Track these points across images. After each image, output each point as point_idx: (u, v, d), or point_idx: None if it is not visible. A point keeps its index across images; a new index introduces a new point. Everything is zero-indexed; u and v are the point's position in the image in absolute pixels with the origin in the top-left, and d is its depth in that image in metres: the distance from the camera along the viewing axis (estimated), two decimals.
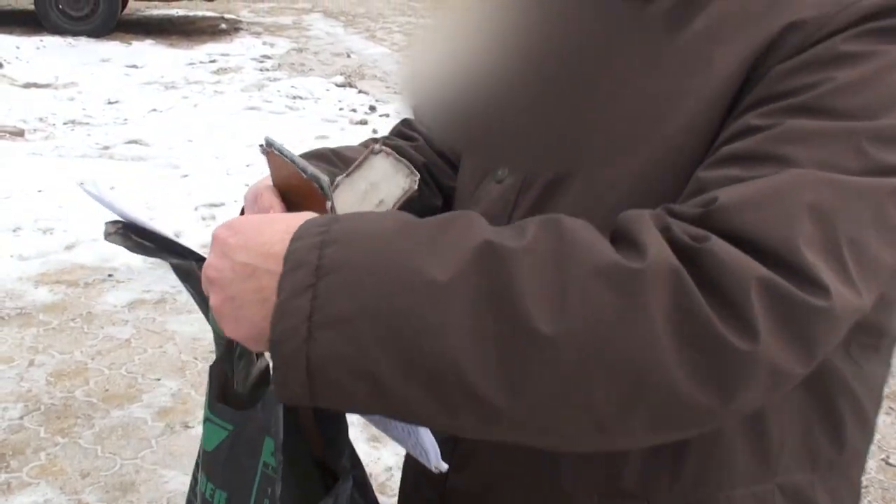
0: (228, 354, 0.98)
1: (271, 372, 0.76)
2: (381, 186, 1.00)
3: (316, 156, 1.14)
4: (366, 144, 1.17)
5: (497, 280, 0.71)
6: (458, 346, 0.70)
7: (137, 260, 4.64)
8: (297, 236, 0.76)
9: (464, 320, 0.70)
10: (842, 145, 0.78)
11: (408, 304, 0.71)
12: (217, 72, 9.10)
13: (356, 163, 1.02)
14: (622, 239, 0.75)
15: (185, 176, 5.94)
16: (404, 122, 1.27)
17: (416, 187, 0.99)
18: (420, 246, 0.73)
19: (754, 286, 0.71)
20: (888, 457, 3.33)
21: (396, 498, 1.14)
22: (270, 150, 0.94)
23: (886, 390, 0.97)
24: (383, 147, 1.01)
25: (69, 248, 4.76)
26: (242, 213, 1.02)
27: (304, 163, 0.93)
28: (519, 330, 0.70)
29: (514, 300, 0.70)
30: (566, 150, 0.95)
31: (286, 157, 0.93)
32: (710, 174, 0.80)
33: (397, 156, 1.00)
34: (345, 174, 1.02)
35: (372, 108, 8.03)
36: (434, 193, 1.19)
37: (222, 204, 5.45)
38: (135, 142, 6.74)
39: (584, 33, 0.98)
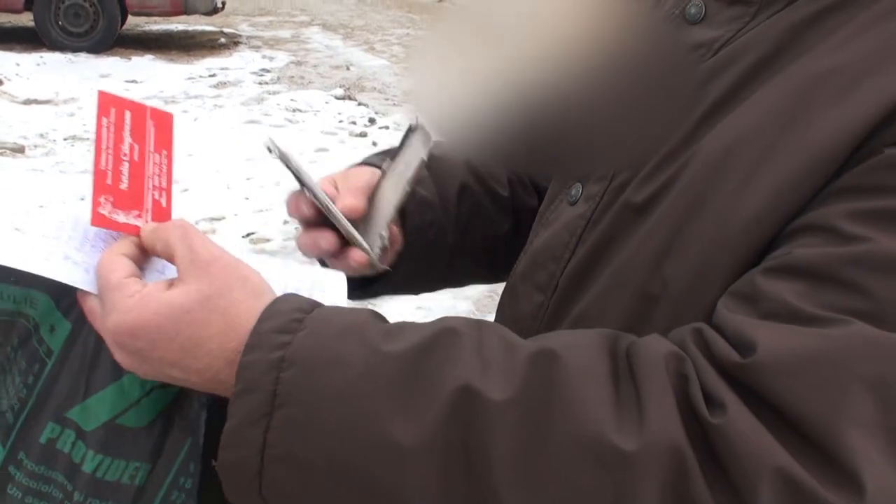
0: None
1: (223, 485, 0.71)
2: (412, 165, 0.96)
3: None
4: None
5: (469, 447, 0.63)
6: None
7: None
8: (253, 344, 0.68)
9: (430, 491, 0.64)
10: None
11: (371, 463, 0.65)
12: (216, 86, 9.11)
13: (398, 145, 0.99)
14: (630, 380, 0.65)
15: (186, 190, 5.94)
16: None
17: (425, 158, 0.94)
18: (388, 395, 0.65)
19: (767, 478, 0.60)
20: None
21: None
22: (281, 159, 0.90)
23: None
24: (419, 123, 0.96)
25: None
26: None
27: (306, 178, 0.89)
28: None
29: (486, 476, 0.63)
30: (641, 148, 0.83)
31: (289, 168, 0.88)
32: (767, 285, 0.67)
33: (425, 129, 0.95)
34: (390, 158, 0.98)
35: (371, 121, 8.04)
36: (528, 193, 1.14)
37: (223, 217, 5.46)
38: None
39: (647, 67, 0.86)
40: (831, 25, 0.73)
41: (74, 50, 9.99)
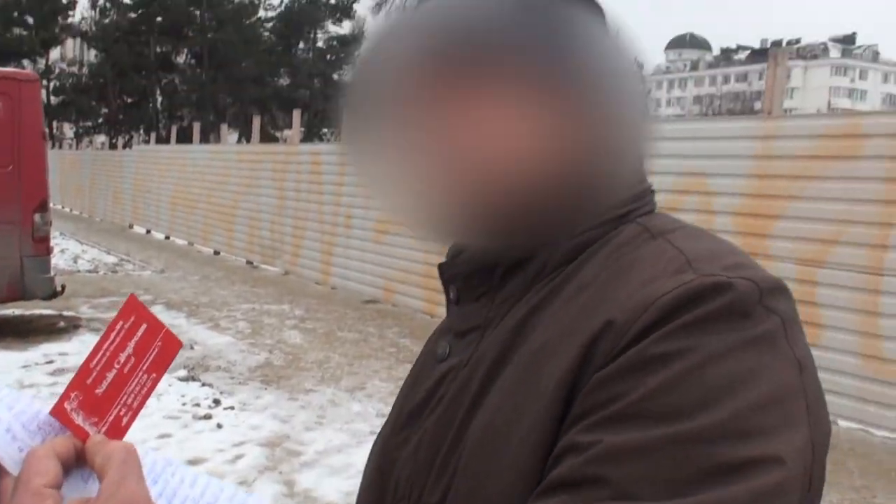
0: None
1: None
2: None
3: None
4: None
5: None
6: None
7: None
8: None
9: None
10: (663, 454, 0.76)
11: None
12: (54, 373, 8.84)
13: None
14: None
15: None
16: None
17: None
18: None
19: None
20: None
21: None
22: None
23: None
24: None
25: None
26: None
27: None
28: None
29: None
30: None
31: None
32: None
33: None
34: None
35: (216, 402, 7.91)
36: None
37: None
38: None
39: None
40: (540, 316, 0.94)
41: None
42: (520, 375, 0.91)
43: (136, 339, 0.87)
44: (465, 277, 1.04)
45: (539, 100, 0.91)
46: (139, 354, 0.87)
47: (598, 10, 0.97)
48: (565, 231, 0.97)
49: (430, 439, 0.99)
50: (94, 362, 0.85)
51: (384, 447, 1.07)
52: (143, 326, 0.88)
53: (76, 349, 9.91)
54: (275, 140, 43.28)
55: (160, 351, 0.89)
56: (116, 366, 0.86)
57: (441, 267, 1.08)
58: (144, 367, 0.88)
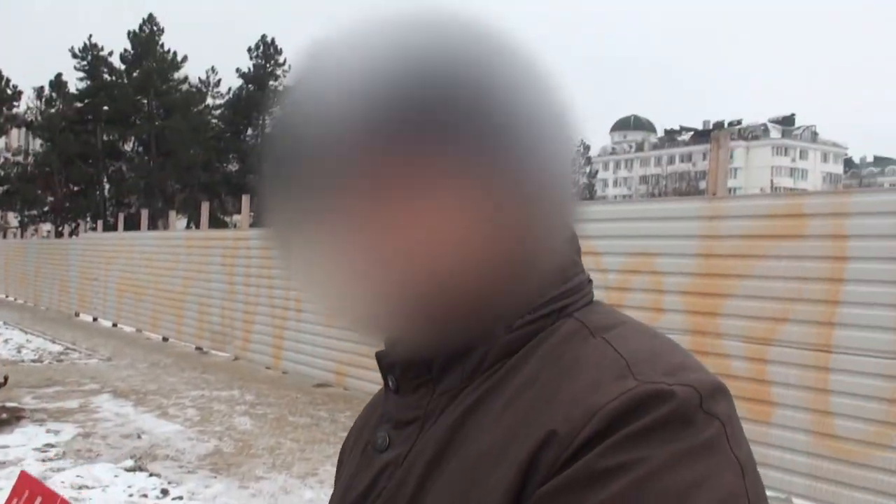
0: None
1: None
2: None
3: None
4: None
5: None
6: None
7: None
8: None
9: None
10: None
11: None
12: None
13: None
14: None
15: None
16: None
17: None
18: None
19: None
20: None
21: None
22: None
23: None
24: None
25: None
26: None
27: None
28: None
29: None
30: None
31: None
32: None
33: None
34: None
35: (164, 492, 7.72)
36: None
37: None
38: None
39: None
40: (479, 414, 0.92)
41: None
42: (461, 478, 0.89)
43: None
44: (403, 368, 1.00)
45: (473, 191, 0.86)
46: None
47: (545, 88, 0.89)
48: (500, 325, 0.95)
49: None
50: None
51: None
52: (38, 500, 0.86)
53: (18, 441, 9.64)
54: (224, 225, 43.25)
55: None
56: None
57: (378, 355, 1.05)
58: None
